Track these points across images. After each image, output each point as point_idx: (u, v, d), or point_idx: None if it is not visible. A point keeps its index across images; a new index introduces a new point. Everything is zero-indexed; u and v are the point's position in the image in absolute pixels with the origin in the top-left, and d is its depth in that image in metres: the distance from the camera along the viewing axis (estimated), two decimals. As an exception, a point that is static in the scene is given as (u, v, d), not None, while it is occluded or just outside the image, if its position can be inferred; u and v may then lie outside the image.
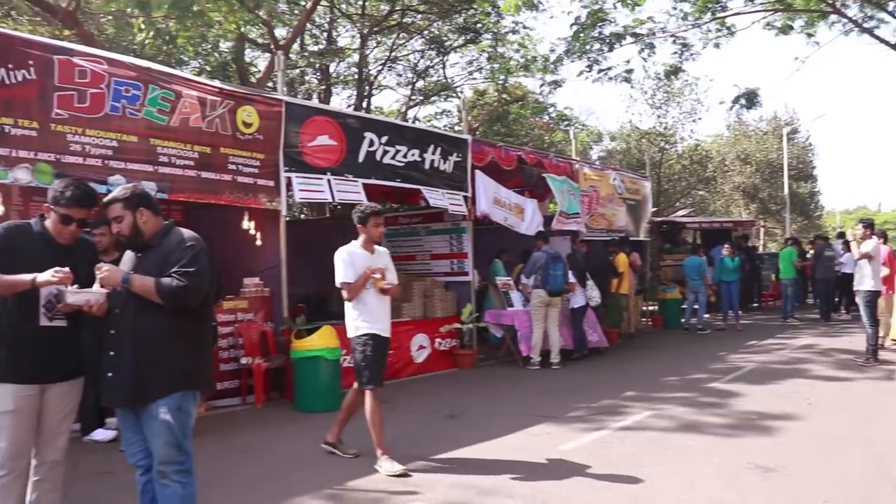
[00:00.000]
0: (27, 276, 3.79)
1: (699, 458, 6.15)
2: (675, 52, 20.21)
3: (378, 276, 6.04)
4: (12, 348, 3.94)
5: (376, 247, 6.33)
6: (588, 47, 19.12)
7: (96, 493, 5.40)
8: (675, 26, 19.41)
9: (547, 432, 7.25)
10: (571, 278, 11.82)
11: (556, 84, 21.91)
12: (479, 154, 12.05)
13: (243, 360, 8.73)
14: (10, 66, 6.98)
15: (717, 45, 19.54)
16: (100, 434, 6.99)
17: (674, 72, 21.35)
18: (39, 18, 15.99)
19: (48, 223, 4.07)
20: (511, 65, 22.57)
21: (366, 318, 6.10)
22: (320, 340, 8.38)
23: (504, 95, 24.77)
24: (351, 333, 6.20)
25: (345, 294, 6.16)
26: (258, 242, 9.77)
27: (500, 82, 23.59)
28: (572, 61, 19.65)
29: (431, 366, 11.12)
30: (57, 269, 3.77)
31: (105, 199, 4.00)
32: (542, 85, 22.78)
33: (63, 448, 4.21)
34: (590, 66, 19.69)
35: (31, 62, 7.11)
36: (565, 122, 27.24)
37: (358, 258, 6.15)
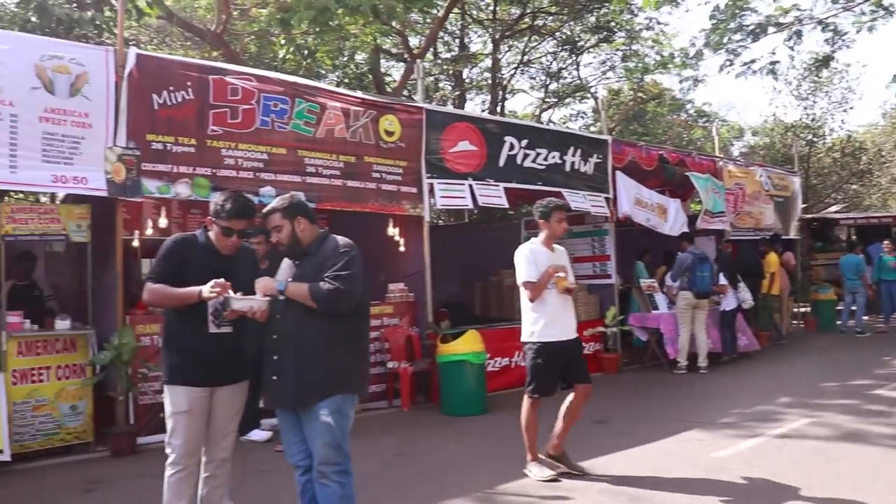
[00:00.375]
0: (195, 290, 4.00)
1: (869, 470, 5.76)
2: (826, 41, 19.03)
3: (562, 274, 5.77)
4: (185, 354, 4.19)
5: (555, 245, 6.08)
6: (727, 39, 18.30)
7: (256, 489, 5.62)
8: (823, 11, 18.29)
9: (699, 438, 7.01)
10: (723, 280, 11.40)
11: (697, 80, 21.27)
12: (619, 154, 11.85)
13: (389, 364, 8.87)
14: (171, 88, 7.44)
15: (871, 29, 18.25)
16: (256, 434, 7.29)
17: (824, 61, 20.07)
18: (189, 43, 16.93)
19: (211, 234, 4.27)
20: (647, 62, 22.05)
21: (545, 321, 5.80)
22: (465, 344, 8.43)
23: (640, 94, 24.25)
24: (525, 337, 5.95)
25: (527, 294, 5.85)
26: (402, 248, 9.94)
27: (636, 81, 23.10)
28: (715, 53, 18.84)
29: (575, 370, 10.93)
30: (215, 281, 3.95)
31: (265, 210, 4.16)
32: (681, 81, 22.17)
33: (230, 447, 4.42)
34: (731, 61, 18.86)
35: (188, 83, 7.55)
36: (704, 119, 26.38)
37: (540, 256, 5.87)
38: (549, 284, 5.77)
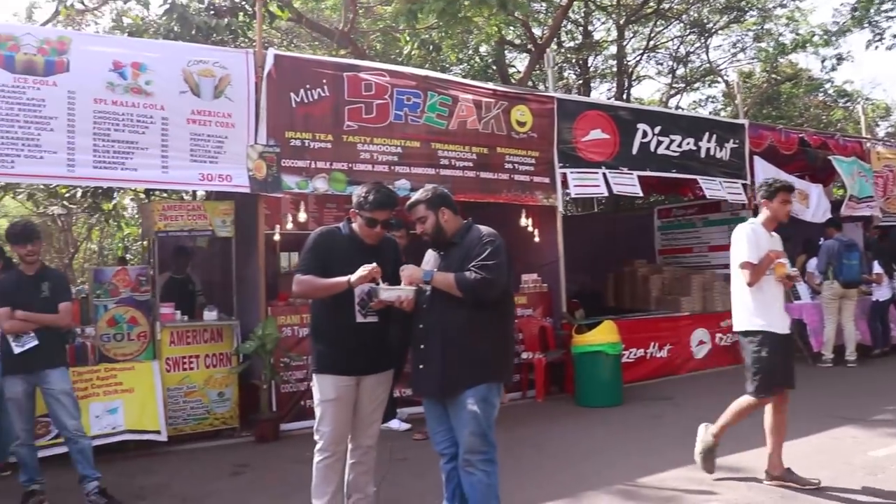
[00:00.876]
0: (343, 279, 4.06)
1: None
2: None
3: (783, 261, 5.33)
4: (332, 343, 4.26)
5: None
6: (875, 9, 17.01)
7: (398, 477, 5.70)
8: None
9: (851, 436, 6.66)
10: (878, 268, 10.77)
11: (840, 58, 20.10)
12: (756, 139, 11.43)
13: (524, 355, 8.83)
14: (308, 86, 7.67)
15: None
16: (395, 423, 7.40)
17: None
18: (317, 43, 17.38)
19: (355, 226, 4.34)
20: (783, 42, 21.03)
21: (762, 310, 5.33)
22: (601, 335, 8.33)
23: (774, 75, 23.17)
24: (742, 326, 5.43)
25: (746, 276, 5.30)
26: (536, 239, 9.92)
27: (771, 62, 22.08)
28: (863, 29, 17.63)
29: (712, 362, 10.62)
30: (365, 266, 4.00)
31: (409, 202, 4.20)
32: (823, 61, 20.98)
33: (376, 434, 4.49)
34: (880, 34, 17.57)
35: (324, 81, 7.77)
36: (845, 99, 24.90)
37: (762, 238, 5.38)
38: (768, 270, 5.32)
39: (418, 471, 5.85)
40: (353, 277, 4.02)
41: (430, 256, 4.25)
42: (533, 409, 8.40)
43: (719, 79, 24.06)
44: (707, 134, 10.84)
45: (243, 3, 11.53)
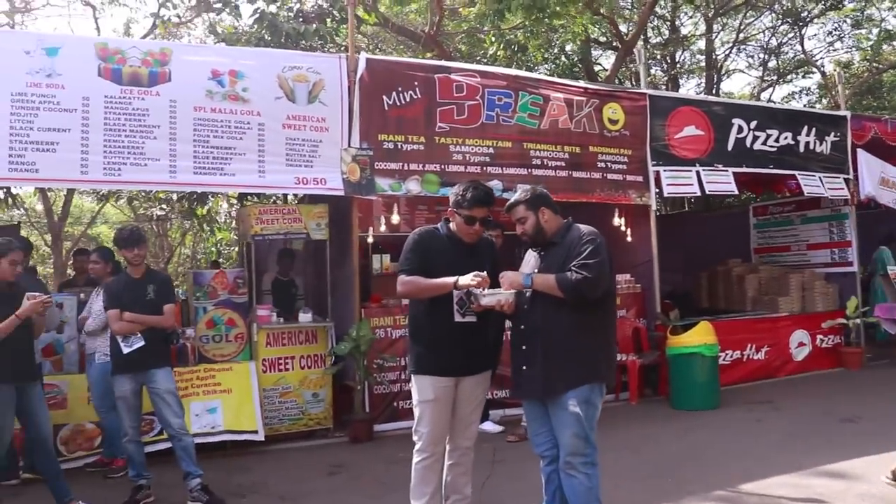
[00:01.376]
0: (449, 280, 4.03)
1: None
2: None
3: None
4: (431, 344, 4.27)
5: None
6: None
7: (494, 479, 5.63)
8: None
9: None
10: None
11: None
12: (859, 131, 10.95)
13: (617, 357, 8.67)
14: (400, 88, 7.73)
15: None
16: (489, 426, 7.36)
17: None
18: (402, 46, 17.51)
19: (452, 225, 4.33)
20: (887, 28, 20.05)
21: None
22: (698, 336, 8.14)
23: (875, 64, 22.14)
24: None
25: None
26: (629, 239, 9.77)
27: (875, 50, 21.06)
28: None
29: (812, 364, 10.25)
30: (476, 273, 3.96)
31: (508, 202, 4.16)
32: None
33: (474, 436, 4.48)
34: None
35: (416, 83, 7.82)
36: (956, 84, 23.57)
37: None
38: None
39: (516, 473, 5.81)
40: (462, 280, 3.98)
41: (531, 257, 4.20)
42: (627, 412, 8.26)
43: (814, 70, 23.18)
44: (806, 128, 10.47)
45: (330, 8, 11.72)
